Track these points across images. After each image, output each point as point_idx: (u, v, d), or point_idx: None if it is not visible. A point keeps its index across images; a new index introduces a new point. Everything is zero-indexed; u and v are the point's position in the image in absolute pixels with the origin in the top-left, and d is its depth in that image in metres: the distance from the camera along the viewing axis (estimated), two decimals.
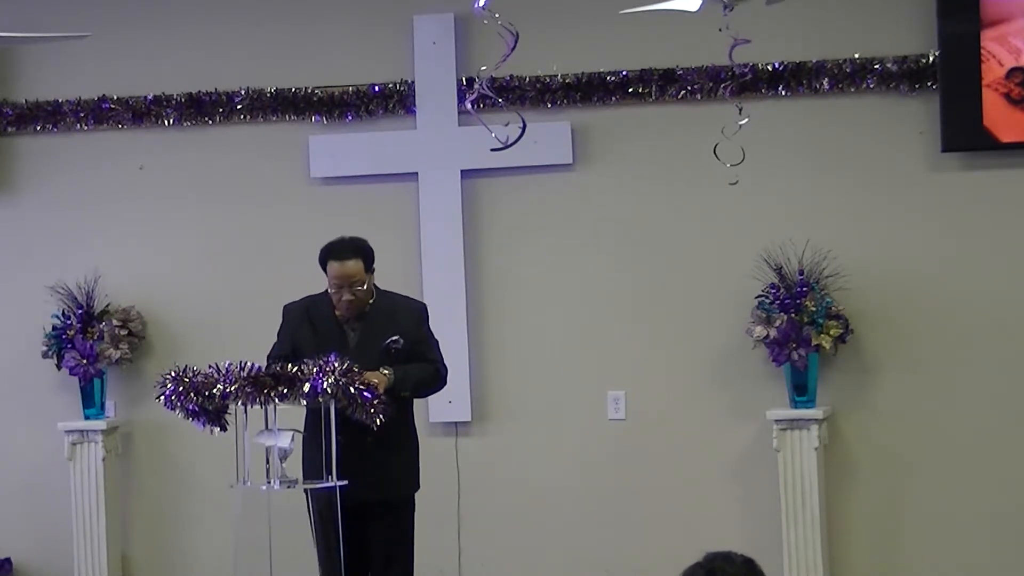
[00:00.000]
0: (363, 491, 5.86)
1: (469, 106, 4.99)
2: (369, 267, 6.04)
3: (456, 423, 7.42)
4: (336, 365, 5.57)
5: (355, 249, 6.03)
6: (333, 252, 6.03)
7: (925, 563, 7.08)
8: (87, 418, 7.56)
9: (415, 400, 6.20)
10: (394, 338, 5.95)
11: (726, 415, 7.21)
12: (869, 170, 7.11)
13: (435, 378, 6.14)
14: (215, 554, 7.36)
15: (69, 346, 7.51)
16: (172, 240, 7.67)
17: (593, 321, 7.35)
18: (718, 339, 7.20)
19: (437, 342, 6.17)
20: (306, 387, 5.56)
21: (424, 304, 6.32)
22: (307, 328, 6.05)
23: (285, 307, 6.20)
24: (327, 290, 6.07)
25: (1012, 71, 6.88)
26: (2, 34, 6.26)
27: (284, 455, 5.74)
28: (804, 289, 6.94)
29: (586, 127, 7.32)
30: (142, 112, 7.65)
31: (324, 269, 6.04)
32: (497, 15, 4.40)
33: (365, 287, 6.01)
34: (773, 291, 6.99)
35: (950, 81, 6.92)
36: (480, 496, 7.43)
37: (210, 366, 5.70)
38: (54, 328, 7.56)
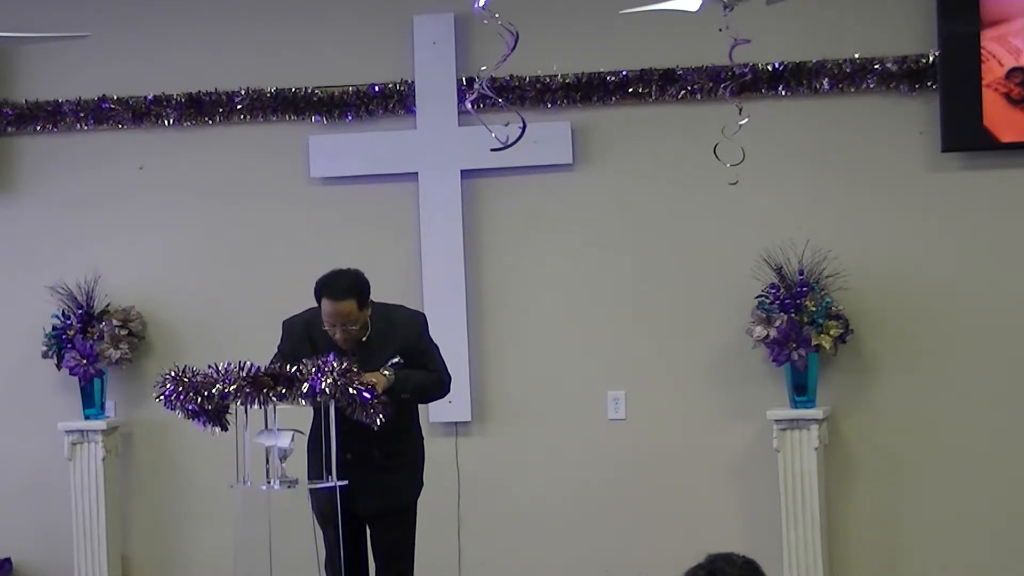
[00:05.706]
0: (367, 504, 5.92)
1: (469, 106, 4.99)
2: (363, 305, 5.92)
3: (456, 423, 7.42)
4: (335, 365, 5.57)
5: (348, 288, 5.89)
6: (326, 289, 5.91)
7: (925, 563, 7.08)
8: (87, 418, 7.56)
9: (418, 405, 6.19)
10: (395, 360, 5.91)
11: (726, 415, 7.21)
12: (869, 170, 7.11)
13: (437, 385, 6.11)
14: (215, 554, 7.36)
15: (69, 346, 7.50)
16: (172, 240, 7.67)
17: (593, 321, 7.34)
18: (718, 339, 7.20)
19: (438, 349, 6.14)
20: (305, 387, 5.56)
21: (423, 314, 6.26)
22: (308, 347, 5.94)
23: (285, 322, 6.13)
24: None
25: (1012, 71, 6.88)
26: (2, 34, 6.25)
27: (284, 455, 5.73)
28: (804, 289, 6.94)
29: (586, 127, 7.32)
30: (142, 112, 7.65)
31: (318, 302, 5.95)
32: (497, 15, 4.39)
33: (358, 326, 5.92)
34: (773, 291, 6.99)
35: (950, 81, 6.92)
36: (480, 496, 7.42)
37: (210, 366, 5.69)
38: (54, 328, 7.56)
